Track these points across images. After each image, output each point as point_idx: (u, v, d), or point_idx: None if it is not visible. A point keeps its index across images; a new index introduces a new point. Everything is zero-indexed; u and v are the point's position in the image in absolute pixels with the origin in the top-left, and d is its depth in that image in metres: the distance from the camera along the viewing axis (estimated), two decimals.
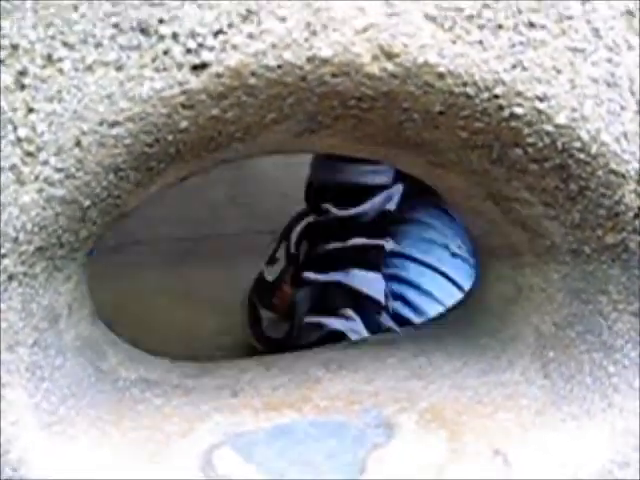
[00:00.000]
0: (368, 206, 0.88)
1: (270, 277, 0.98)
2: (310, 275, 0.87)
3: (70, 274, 0.48)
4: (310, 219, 0.91)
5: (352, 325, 0.84)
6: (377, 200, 0.88)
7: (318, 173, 0.91)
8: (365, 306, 0.85)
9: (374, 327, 0.85)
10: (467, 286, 0.80)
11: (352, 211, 0.88)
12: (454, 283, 0.91)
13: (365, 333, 0.83)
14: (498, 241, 0.55)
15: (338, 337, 0.82)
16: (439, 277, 0.92)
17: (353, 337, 0.82)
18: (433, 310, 0.85)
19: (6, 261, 0.43)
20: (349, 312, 0.84)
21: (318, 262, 0.88)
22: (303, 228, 0.92)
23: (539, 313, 0.53)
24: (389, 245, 0.89)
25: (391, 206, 0.90)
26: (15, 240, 0.43)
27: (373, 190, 0.88)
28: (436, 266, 0.92)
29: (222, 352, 0.94)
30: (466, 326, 0.60)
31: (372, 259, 0.87)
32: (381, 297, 0.87)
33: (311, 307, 0.86)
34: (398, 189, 0.90)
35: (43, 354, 0.47)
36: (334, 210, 0.88)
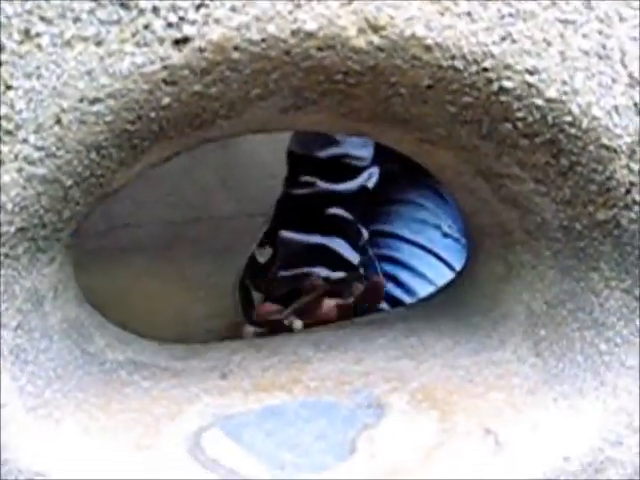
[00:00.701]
0: (355, 182, 0.88)
1: (262, 259, 0.97)
2: (289, 235, 0.86)
3: (54, 255, 0.47)
4: (289, 190, 0.90)
5: (335, 276, 0.83)
6: (362, 178, 0.88)
7: (305, 144, 0.89)
8: (346, 269, 0.84)
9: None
10: (458, 266, 0.80)
11: (341, 186, 0.87)
12: (446, 263, 0.91)
13: None
14: (488, 219, 0.55)
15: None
16: (431, 258, 0.92)
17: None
18: (425, 291, 0.85)
19: None
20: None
21: (297, 224, 0.87)
22: (282, 198, 0.91)
23: (530, 291, 0.52)
24: (366, 234, 0.89)
25: (370, 184, 0.89)
26: None
27: (360, 167, 0.88)
28: (428, 247, 0.92)
29: (213, 335, 0.93)
30: (457, 305, 0.60)
31: (351, 236, 0.86)
32: (360, 270, 0.86)
33: (292, 262, 0.85)
34: (376, 169, 0.90)
35: (27, 337, 0.46)
36: (320, 183, 0.87)
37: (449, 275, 0.85)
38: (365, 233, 0.90)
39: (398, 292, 0.89)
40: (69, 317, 0.51)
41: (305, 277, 0.80)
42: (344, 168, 0.87)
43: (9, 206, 0.42)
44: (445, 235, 0.93)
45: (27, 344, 0.46)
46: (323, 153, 0.87)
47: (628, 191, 0.45)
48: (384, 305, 0.88)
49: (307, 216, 0.86)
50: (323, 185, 0.86)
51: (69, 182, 0.43)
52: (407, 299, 0.88)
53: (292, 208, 0.88)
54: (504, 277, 0.55)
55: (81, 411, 0.48)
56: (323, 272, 0.82)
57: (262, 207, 1.01)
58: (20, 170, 0.41)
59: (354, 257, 0.86)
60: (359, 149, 0.87)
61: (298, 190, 0.88)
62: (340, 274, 0.83)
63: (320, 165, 0.87)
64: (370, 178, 0.89)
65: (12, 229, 0.43)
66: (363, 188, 0.88)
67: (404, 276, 0.90)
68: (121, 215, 1.12)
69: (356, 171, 0.88)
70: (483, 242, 0.58)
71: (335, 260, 0.83)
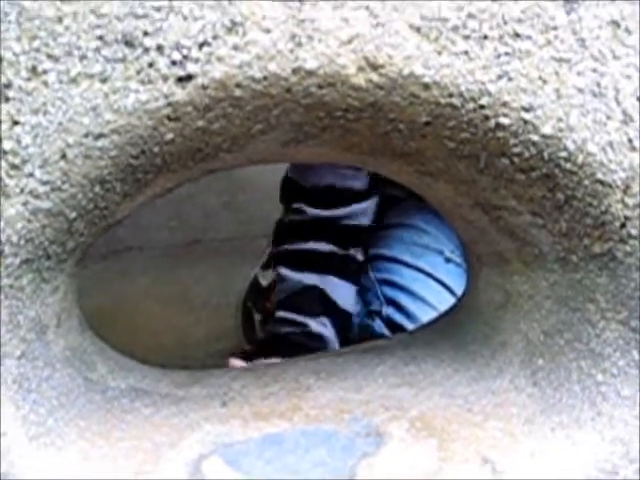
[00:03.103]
0: (343, 212, 0.89)
1: (264, 282, 0.98)
2: (286, 272, 0.87)
3: (58, 285, 0.48)
4: (283, 217, 0.92)
5: (325, 331, 0.85)
6: (352, 209, 0.89)
7: (297, 171, 0.91)
8: (338, 316, 0.86)
9: (344, 336, 0.86)
10: (460, 291, 0.80)
11: (328, 212, 0.88)
12: (447, 288, 0.91)
13: (336, 341, 0.85)
14: (487, 248, 0.55)
15: (316, 338, 0.84)
16: (432, 282, 0.92)
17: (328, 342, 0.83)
18: (426, 316, 0.85)
19: None
20: (324, 320, 0.85)
21: (292, 259, 0.88)
22: (275, 226, 0.93)
23: (528, 320, 0.53)
24: (360, 256, 0.90)
25: (365, 221, 0.90)
26: (0, 253, 0.43)
27: (350, 196, 0.89)
28: (430, 271, 0.92)
29: (214, 358, 0.94)
30: (457, 332, 0.60)
31: (346, 268, 0.88)
32: (352, 308, 0.88)
33: (288, 304, 0.86)
34: (374, 202, 0.91)
35: (31, 365, 0.47)
36: (308, 209, 0.88)
37: (451, 300, 0.86)
38: (361, 258, 0.91)
39: (398, 317, 0.89)
40: (72, 345, 0.51)
41: (298, 325, 0.83)
42: (333, 196, 0.89)
43: (14, 238, 0.43)
44: (447, 260, 0.94)
45: (30, 373, 0.47)
46: (308, 181, 0.89)
47: (623, 225, 0.46)
48: (385, 330, 0.88)
49: (300, 256, 0.87)
50: (311, 212, 0.88)
51: (73, 215, 0.44)
52: (408, 324, 0.89)
53: (286, 236, 0.89)
54: (502, 305, 0.55)
55: (83, 439, 0.49)
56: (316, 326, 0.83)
57: (265, 229, 1.02)
58: (26, 203, 0.42)
59: (347, 298, 0.86)
60: (346, 180, 0.89)
61: (290, 217, 0.90)
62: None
63: (308, 192, 0.89)
64: (365, 214, 0.91)
65: (17, 261, 0.44)
66: (357, 227, 0.90)
67: (405, 300, 0.91)
68: (124, 238, 1.12)
69: (347, 199, 0.89)
70: (482, 270, 0.58)
71: (328, 305, 0.85)
